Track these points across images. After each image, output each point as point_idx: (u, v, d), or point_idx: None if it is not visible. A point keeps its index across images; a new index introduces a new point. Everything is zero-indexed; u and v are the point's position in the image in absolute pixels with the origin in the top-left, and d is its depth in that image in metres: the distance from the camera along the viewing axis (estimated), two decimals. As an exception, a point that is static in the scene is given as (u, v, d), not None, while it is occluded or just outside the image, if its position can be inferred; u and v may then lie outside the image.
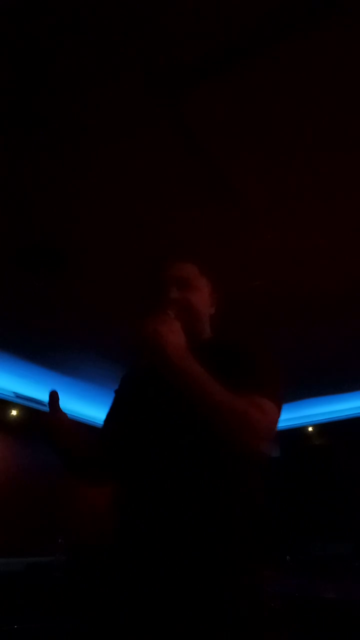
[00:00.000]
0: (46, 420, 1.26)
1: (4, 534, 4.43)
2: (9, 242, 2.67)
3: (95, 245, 2.69)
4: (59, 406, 1.28)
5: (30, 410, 5.01)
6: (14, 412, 4.95)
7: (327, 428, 5.78)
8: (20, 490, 4.83)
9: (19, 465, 4.99)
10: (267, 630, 1.00)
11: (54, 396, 1.28)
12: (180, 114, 1.87)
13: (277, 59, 1.66)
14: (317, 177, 2.18)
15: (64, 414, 1.26)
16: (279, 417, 1.11)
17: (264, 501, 1.13)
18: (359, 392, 5.09)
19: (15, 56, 1.66)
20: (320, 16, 1.52)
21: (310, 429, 5.90)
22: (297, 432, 5.90)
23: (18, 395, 4.87)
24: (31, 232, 2.60)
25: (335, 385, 4.94)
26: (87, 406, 5.12)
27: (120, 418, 1.33)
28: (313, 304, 3.27)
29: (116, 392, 1.45)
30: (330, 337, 3.80)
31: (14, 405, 4.95)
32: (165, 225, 2.51)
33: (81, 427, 1.26)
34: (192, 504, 1.06)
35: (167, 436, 1.14)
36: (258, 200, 2.33)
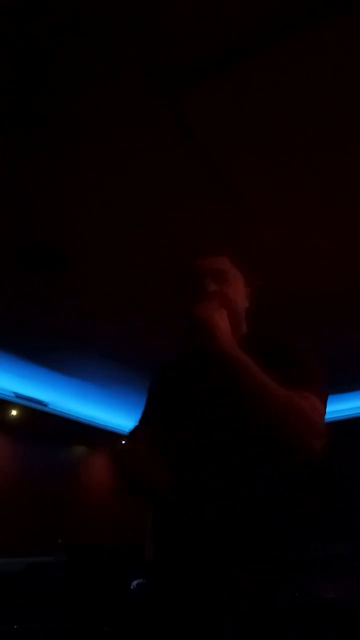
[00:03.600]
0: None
1: (4, 534, 4.43)
2: (9, 242, 2.67)
3: (95, 245, 2.69)
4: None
5: (30, 410, 5.02)
6: (14, 412, 4.96)
7: (327, 428, 5.77)
8: (20, 490, 4.84)
9: (19, 466, 4.99)
10: (267, 630, 1.00)
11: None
12: (180, 114, 1.87)
13: (277, 59, 1.66)
14: (317, 177, 2.18)
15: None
16: (325, 414, 1.07)
17: (250, 497, 1.10)
18: (359, 392, 5.09)
19: (15, 56, 1.66)
20: (320, 16, 1.52)
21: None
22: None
23: (18, 395, 4.87)
24: (31, 232, 2.60)
25: (335, 385, 4.94)
26: (88, 406, 5.12)
27: (167, 410, 1.23)
28: (313, 304, 3.27)
29: (154, 386, 1.35)
30: (330, 337, 3.79)
31: (14, 405, 4.95)
32: (165, 225, 2.51)
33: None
34: (232, 499, 1.04)
35: (215, 427, 1.09)
36: (258, 200, 2.32)
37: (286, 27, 1.55)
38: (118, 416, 5.43)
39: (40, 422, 5.08)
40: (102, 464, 5.77)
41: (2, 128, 1.95)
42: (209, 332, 0.99)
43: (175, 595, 0.99)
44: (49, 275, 2.92)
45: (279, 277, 2.96)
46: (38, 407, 5.09)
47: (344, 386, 4.95)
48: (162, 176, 2.20)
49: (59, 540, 4.71)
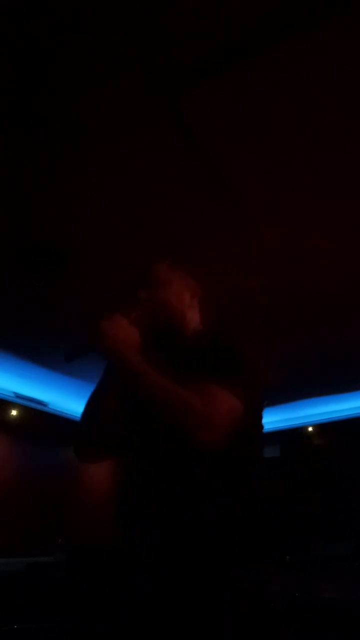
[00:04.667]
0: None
1: (4, 534, 4.43)
2: (9, 242, 2.67)
3: (95, 245, 2.69)
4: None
5: (30, 410, 5.02)
6: (14, 412, 4.95)
7: (327, 428, 5.77)
8: (20, 490, 4.83)
9: (19, 466, 4.99)
10: (267, 630, 1.00)
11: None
12: (180, 114, 1.87)
13: (277, 59, 1.66)
14: (317, 177, 2.18)
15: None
16: (236, 410, 1.08)
17: (260, 498, 1.13)
18: (359, 392, 5.09)
19: (15, 56, 1.66)
20: (320, 16, 1.52)
21: (310, 429, 5.90)
22: (297, 432, 5.90)
23: (18, 395, 4.87)
24: (31, 232, 2.60)
25: (335, 385, 4.94)
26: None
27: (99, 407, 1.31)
28: (313, 304, 3.27)
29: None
30: (330, 337, 3.79)
31: (14, 405, 4.95)
32: (165, 225, 2.51)
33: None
34: (165, 499, 1.08)
35: (140, 427, 1.18)
36: (258, 200, 2.32)
37: (286, 27, 1.55)
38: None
39: (40, 422, 5.08)
40: (102, 463, 5.78)
41: (2, 128, 1.95)
42: (104, 340, 1.13)
43: (175, 595, 0.99)
44: (49, 275, 2.92)
45: (279, 277, 2.97)
46: (38, 407, 5.09)
47: (344, 386, 4.95)
48: (162, 176, 2.20)
49: (59, 540, 4.71)
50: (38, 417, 5.05)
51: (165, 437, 1.11)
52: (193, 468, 1.08)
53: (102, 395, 1.25)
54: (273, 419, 5.58)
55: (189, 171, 2.17)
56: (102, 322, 1.15)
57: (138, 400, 1.15)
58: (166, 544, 1.03)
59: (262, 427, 1.20)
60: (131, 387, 1.13)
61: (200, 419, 1.04)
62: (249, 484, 1.12)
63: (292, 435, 5.91)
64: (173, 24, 1.56)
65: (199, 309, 1.37)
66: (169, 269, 1.34)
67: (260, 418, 1.20)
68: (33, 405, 5.03)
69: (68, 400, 4.98)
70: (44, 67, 1.70)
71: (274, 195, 2.29)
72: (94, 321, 1.16)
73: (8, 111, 1.87)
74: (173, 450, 1.10)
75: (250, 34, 1.58)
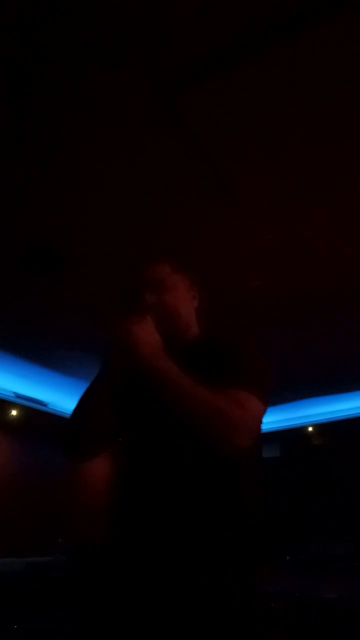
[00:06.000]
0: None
1: (4, 534, 4.43)
2: (9, 243, 2.67)
3: (95, 245, 2.69)
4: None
5: (30, 410, 5.02)
6: (14, 412, 4.96)
7: (327, 428, 5.78)
8: (20, 490, 4.83)
9: (19, 466, 4.99)
10: (267, 630, 1.00)
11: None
12: (180, 114, 1.87)
13: (276, 59, 1.66)
14: (317, 177, 2.18)
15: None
16: (262, 413, 1.10)
17: (261, 500, 1.13)
18: (359, 392, 5.09)
19: (15, 56, 1.66)
20: (321, 16, 1.52)
21: (310, 429, 5.91)
22: (297, 432, 5.90)
23: (18, 395, 4.88)
24: (31, 233, 2.60)
25: (335, 385, 4.94)
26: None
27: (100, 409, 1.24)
28: (313, 303, 3.27)
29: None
30: (330, 337, 3.80)
31: (14, 405, 4.95)
32: (165, 225, 2.51)
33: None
34: (180, 503, 1.05)
35: (152, 435, 1.14)
36: (258, 200, 2.33)
37: (286, 27, 1.55)
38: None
39: (40, 422, 5.08)
40: (102, 463, 5.77)
41: (2, 128, 1.95)
42: (129, 344, 1.06)
43: (176, 595, 0.99)
44: (48, 275, 2.92)
45: (278, 277, 2.97)
46: (38, 407, 5.10)
47: (344, 386, 4.95)
48: (161, 176, 2.20)
49: (59, 540, 4.71)
50: (38, 417, 5.06)
51: (180, 439, 1.08)
52: (205, 471, 1.07)
53: (95, 395, 1.21)
54: (273, 419, 5.58)
55: (189, 171, 2.16)
56: (127, 327, 1.08)
57: (151, 403, 1.11)
58: (168, 545, 1.03)
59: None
60: (159, 392, 1.07)
61: (236, 424, 1.03)
62: (253, 483, 1.13)
63: (292, 435, 5.92)
64: (173, 24, 1.56)
65: (201, 310, 1.35)
66: (174, 272, 1.31)
67: None
68: (33, 405, 5.04)
69: (68, 400, 4.99)
70: (44, 67, 1.70)
71: (274, 195, 2.30)
72: (119, 325, 1.09)
73: (8, 111, 1.87)
74: (187, 452, 1.08)
75: (250, 34, 1.58)
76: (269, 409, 1.15)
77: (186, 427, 1.06)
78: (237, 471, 1.10)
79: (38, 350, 4.06)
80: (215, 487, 1.07)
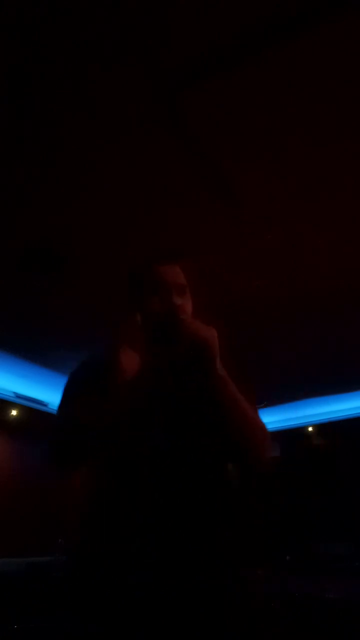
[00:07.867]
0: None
1: (4, 534, 4.43)
2: (9, 243, 2.67)
3: (95, 245, 2.69)
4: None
5: (30, 410, 5.01)
6: (14, 412, 4.96)
7: (327, 428, 5.78)
8: (20, 490, 4.83)
9: (19, 466, 4.99)
10: (267, 630, 1.00)
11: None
12: (180, 114, 1.87)
13: (277, 59, 1.66)
14: (317, 177, 2.18)
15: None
16: None
17: (262, 500, 1.15)
18: (359, 392, 5.09)
19: (15, 56, 1.66)
20: (321, 16, 1.52)
21: (310, 429, 5.90)
22: (297, 432, 5.90)
23: (18, 395, 4.87)
24: (31, 233, 2.60)
25: (335, 385, 4.94)
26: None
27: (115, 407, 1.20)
28: (313, 304, 3.27)
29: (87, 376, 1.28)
30: (330, 337, 3.80)
31: (14, 405, 4.95)
32: (165, 225, 2.51)
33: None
34: (183, 504, 1.06)
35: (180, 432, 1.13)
36: (258, 200, 2.33)
37: (286, 27, 1.55)
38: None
39: (40, 422, 5.08)
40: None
41: (2, 128, 1.95)
42: (209, 350, 1.04)
43: (176, 595, 0.99)
44: (48, 275, 2.92)
45: (278, 277, 2.97)
46: (38, 407, 5.09)
47: (344, 386, 4.95)
48: (161, 176, 2.20)
49: (59, 540, 4.71)
50: (38, 417, 5.05)
51: (200, 444, 1.09)
52: (214, 474, 1.09)
53: (86, 398, 1.16)
54: (273, 419, 5.58)
55: (189, 171, 2.16)
56: (207, 327, 1.07)
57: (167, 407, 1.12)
58: (168, 545, 1.03)
59: None
60: (212, 396, 1.05)
61: (270, 442, 1.11)
62: (255, 484, 1.15)
63: (292, 435, 5.91)
64: (173, 24, 1.56)
65: (200, 311, 1.35)
66: (180, 273, 1.29)
67: None
68: (33, 405, 5.03)
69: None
70: (44, 67, 1.70)
71: (274, 195, 2.30)
72: (194, 325, 1.07)
73: (8, 111, 1.87)
74: (200, 457, 1.08)
75: (250, 34, 1.58)
76: (269, 409, 1.17)
77: (229, 434, 1.06)
78: (245, 475, 1.13)
79: (38, 350, 4.06)
80: (219, 489, 1.08)
